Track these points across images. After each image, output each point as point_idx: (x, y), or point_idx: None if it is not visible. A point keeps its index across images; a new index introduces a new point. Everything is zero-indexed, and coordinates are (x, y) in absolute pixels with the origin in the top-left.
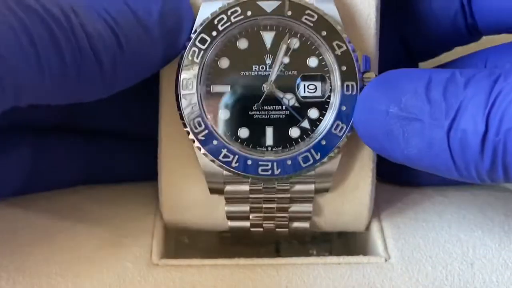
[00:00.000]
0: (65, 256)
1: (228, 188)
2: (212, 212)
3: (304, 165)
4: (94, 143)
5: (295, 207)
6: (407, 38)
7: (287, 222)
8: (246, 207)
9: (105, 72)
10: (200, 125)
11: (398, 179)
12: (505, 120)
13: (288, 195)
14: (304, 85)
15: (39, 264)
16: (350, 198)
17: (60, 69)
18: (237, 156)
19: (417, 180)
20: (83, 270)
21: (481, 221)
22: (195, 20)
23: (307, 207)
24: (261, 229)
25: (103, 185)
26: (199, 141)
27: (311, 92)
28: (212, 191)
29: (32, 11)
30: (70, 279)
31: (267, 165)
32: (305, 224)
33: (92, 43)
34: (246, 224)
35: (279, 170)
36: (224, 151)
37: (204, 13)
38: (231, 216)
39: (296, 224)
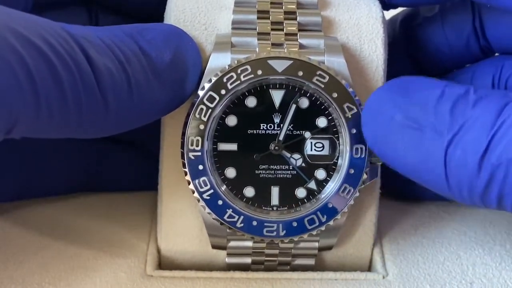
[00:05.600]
0: (59, 266)
1: (231, 244)
2: (211, 262)
3: (309, 227)
4: (92, 149)
5: (297, 261)
6: (418, 58)
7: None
8: (247, 260)
9: (110, 112)
10: (205, 184)
11: (400, 194)
12: (510, 147)
13: (291, 252)
14: (311, 142)
15: (32, 273)
16: (351, 251)
17: (60, 104)
18: (242, 217)
19: (419, 195)
20: (76, 279)
21: (482, 239)
22: (204, 70)
23: (309, 261)
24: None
25: (100, 194)
26: (204, 200)
27: (318, 151)
28: (215, 247)
29: (31, 44)
30: None
31: (273, 226)
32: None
33: (100, 79)
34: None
35: (284, 231)
36: (229, 212)
37: (213, 64)
38: (232, 267)
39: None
